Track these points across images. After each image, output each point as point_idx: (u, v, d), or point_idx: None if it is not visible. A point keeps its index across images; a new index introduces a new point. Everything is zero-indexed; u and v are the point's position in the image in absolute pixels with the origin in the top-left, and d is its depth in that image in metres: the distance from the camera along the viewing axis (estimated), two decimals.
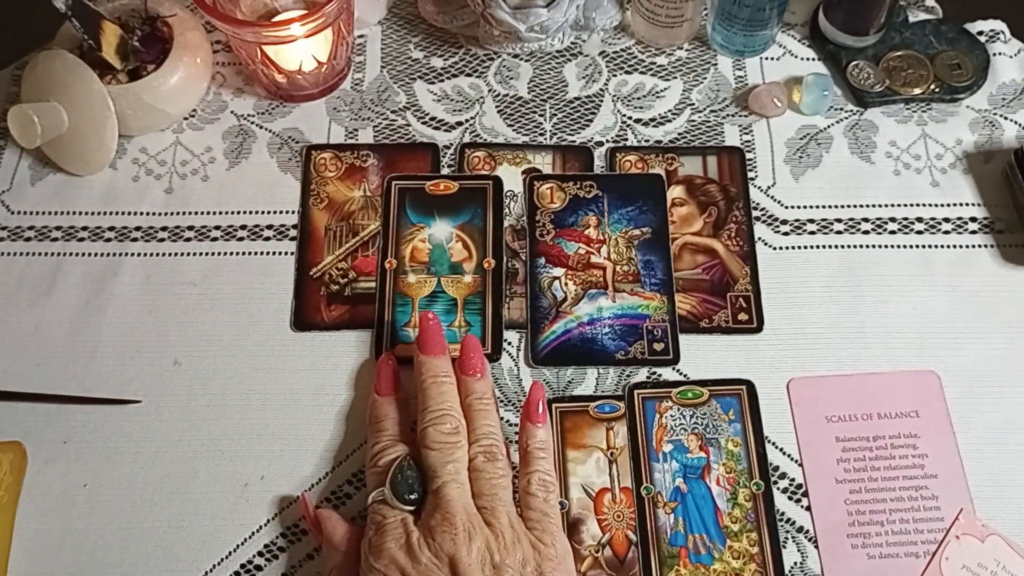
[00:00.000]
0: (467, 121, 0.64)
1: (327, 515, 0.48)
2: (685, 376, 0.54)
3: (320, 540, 0.49)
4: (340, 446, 0.53)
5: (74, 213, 0.60)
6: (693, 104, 0.64)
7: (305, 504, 0.49)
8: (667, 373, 0.55)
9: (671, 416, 0.53)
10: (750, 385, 0.54)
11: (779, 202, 0.60)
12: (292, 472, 0.52)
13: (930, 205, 0.60)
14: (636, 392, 0.54)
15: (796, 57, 0.66)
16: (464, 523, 0.43)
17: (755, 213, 0.60)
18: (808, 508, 0.51)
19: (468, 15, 0.66)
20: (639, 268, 0.57)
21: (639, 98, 0.64)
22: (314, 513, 0.49)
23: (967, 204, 0.60)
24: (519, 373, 0.55)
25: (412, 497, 0.45)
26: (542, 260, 0.58)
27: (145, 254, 0.59)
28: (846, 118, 0.63)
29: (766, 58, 0.66)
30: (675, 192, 0.60)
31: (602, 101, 0.64)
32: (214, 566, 0.50)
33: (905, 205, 0.60)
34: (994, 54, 0.65)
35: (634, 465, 0.52)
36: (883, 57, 0.64)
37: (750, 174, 0.61)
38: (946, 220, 0.59)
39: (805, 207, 0.60)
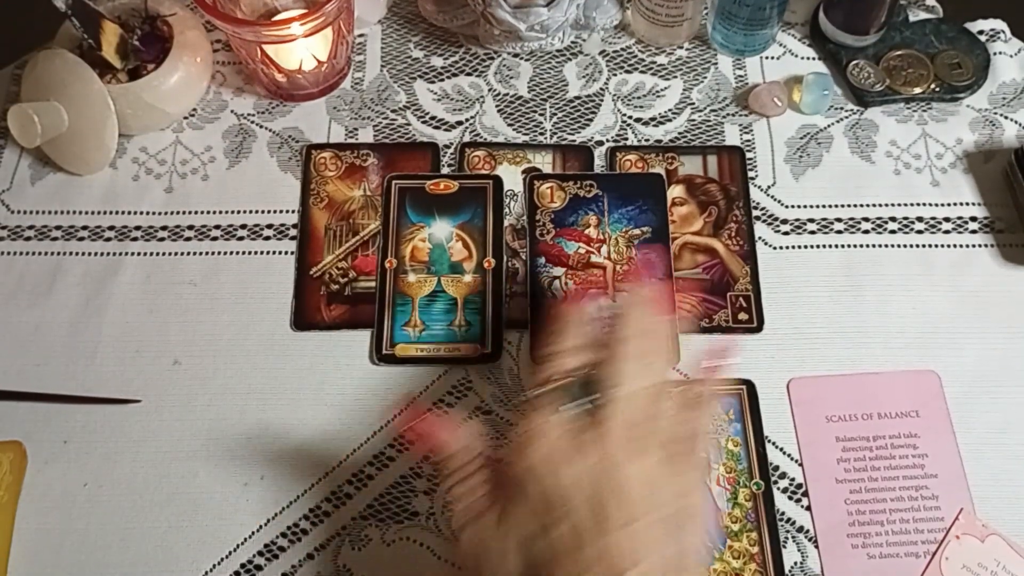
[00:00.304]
0: (467, 120, 0.64)
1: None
2: (685, 376, 0.54)
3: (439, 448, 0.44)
4: (340, 446, 0.53)
5: (74, 213, 0.60)
6: (693, 103, 0.64)
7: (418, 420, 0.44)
8: (667, 373, 0.55)
9: None
10: (750, 385, 0.54)
11: (779, 201, 0.60)
12: (292, 472, 0.52)
13: (930, 205, 0.60)
14: None
15: (796, 56, 0.66)
16: (623, 442, 0.39)
17: (755, 212, 0.60)
18: (808, 508, 0.51)
19: (468, 14, 0.66)
20: (639, 268, 0.57)
21: (639, 97, 0.64)
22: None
23: (967, 204, 0.60)
24: (519, 373, 0.55)
25: (586, 402, 0.40)
26: (542, 259, 0.58)
27: (145, 254, 0.59)
28: (846, 117, 0.63)
29: (766, 57, 0.66)
30: (675, 191, 0.60)
31: (602, 100, 0.64)
32: (214, 566, 0.50)
33: (905, 205, 0.60)
34: (994, 53, 0.65)
35: None
36: (883, 56, 0.64)
37: (750, 173, 0.61)
38: (946, 220, 0.59)
39: (805, 206, 0.60)
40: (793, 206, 0.60)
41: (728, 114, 0.64)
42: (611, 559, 0.37)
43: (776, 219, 0.60)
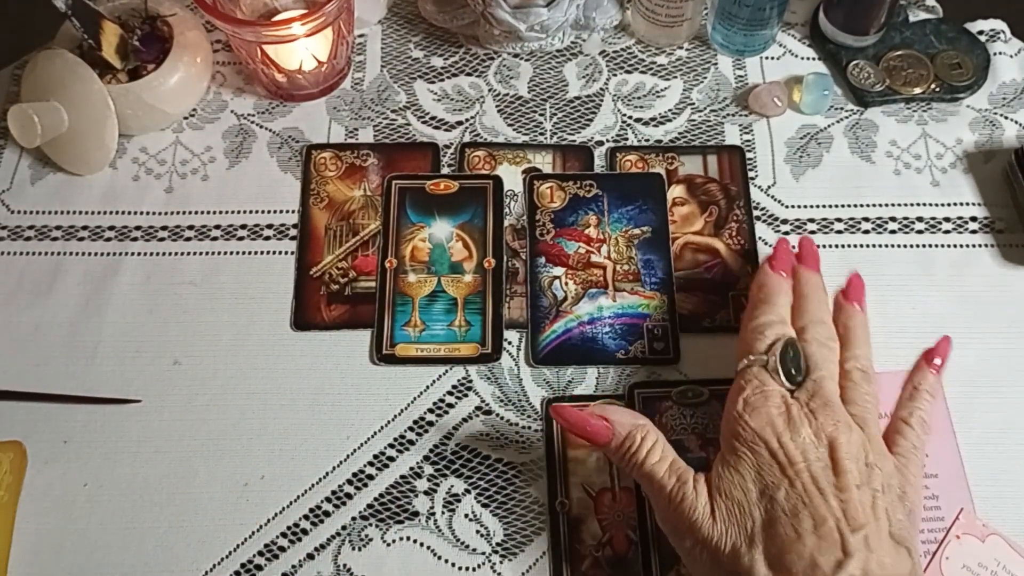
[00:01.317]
0: (467, 120, 0.64)
1: (601, 408, 0.46)
2: (685, 375, 0.54)
3: (601, 441, 0.45)
4: (340, 446, 0.53)
5: (74, 213, 0.60)
6: (693, 103, 0.64)
7: (564, 412, 0.46)
8: (667, 372, 0.55)
9: (671, 415, 0.53)
10: None
11: (779, 201, 0.60)
12: (292, 472, 0.52)
13: (930, 205, 0.60)
14: (636, 391, 0.54)
15: (796, 56, 0.66)
16: (844, 415, 0.44)
17: (756, 212, 0.60)
18: None
19: (468, 14, 0.66)
20: (639, 267, 0.57)
21: (639, 97, 0.64)
22: (587, 415, 0.46)
23: (967, 204, 0.60)
24: (519, 373, 0.55)
25: (797, 377, 0.45)
26: (542, 259, 0.58)
27: (145, 254, 0.59)
28: (846, 117, 0.63)
29: (766, 57, 0.66)
30: (676, 191, 0.60)
31: (602, 100, 0.64)
32: (214, 566, 0.50)
33: (905, 205, 0.60)
34: (994, 53, 0.65)
35: None
36: (883, 56, 0.64)
37: (750, 173, 0.61)
38: (946, 220, 0.59)
39: (805, 206, 0.60)
40: (793, 206, 0.60)
41: (728, 114, 0.64)
42: (854, 511, 0.40)
43: (776, 219, 0.60)
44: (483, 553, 0.50)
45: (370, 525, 0.51)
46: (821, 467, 0.42)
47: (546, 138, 0.63)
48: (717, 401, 0.53)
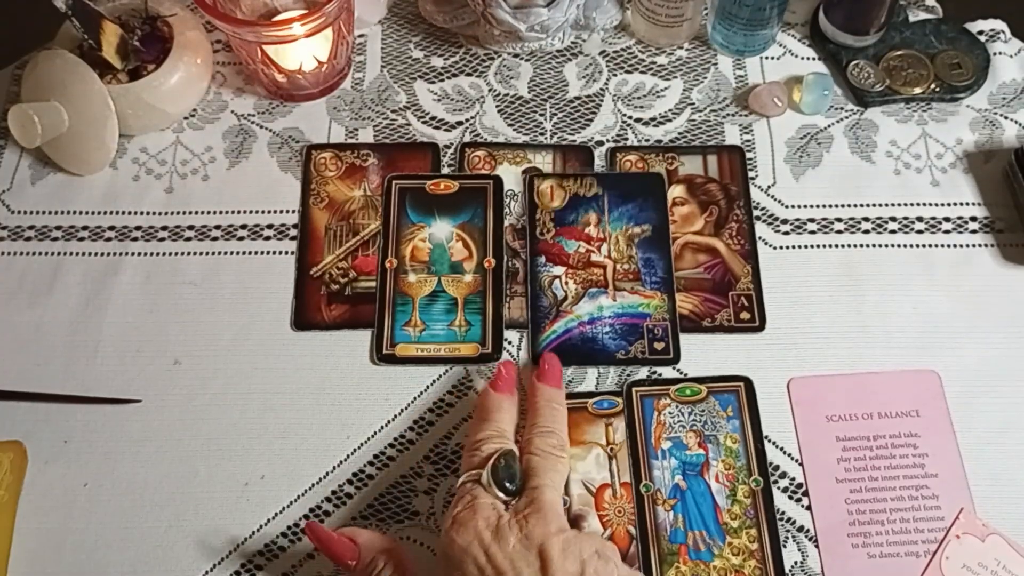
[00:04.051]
0: (467, 120, 0.64)
1: (352, 530, 0.47)
2: (686, 375, 0.54)
3: (344, 560, 0.46)
4: (340, 446, 0.53)
5: (74, 213, 0.60)
6: (693, 103, 0.64)
7: (316, 529, 0.46)
8: (668, 372, 0.55)
9: (669, 413, 0.53)
10: (748, 381, 0.54)
11: (779, 201, 0.60)
12: (292, 472, 0.52)
13: (930, 204, 0.60)
14: (634, 390, 0.54)
15: (796, 56, 0.66)
16: (559, 519, 0.44)
17: (756, 212, 0.60)
18: (808, 507, 0.51)
19: (468, 15, 0.66)
20: (639, 267, 0.57)
21: (639, 97, 0.64)
22: (336, 535, 0.46)
23: (967, 204, 0.60)
24: (519, 372, 0.55)
25: (510, 487, 0.45)
26: (542, 259, 0.58)
27: (145, 254, 0.59)
28: (846, 117, 0.63)
29: (766, 57, 0.66)
30: (676, 191, 0.60)
31: (602, 100, 0.64)
32: (214, 566, 0.50)
33: (905, 204, 0.60)
34: (994, 53, 0.65)
35: (633, 463, 0.52)
36: (883, 56, 0.64)
37: (751, 173, 0.61)
38: (946, 219, 0.59)
39: (805, 206, 0.60)
40: (793, 206, 0.60)
41: (728, 114, 0.64)
42: None
43: (776, 219, 0.60)
44: None
45: (370, 525, 0.51)
46: (531, 573, 0.42)
47: (546, 138, 0.63)
48: (715, 398, 0.53)
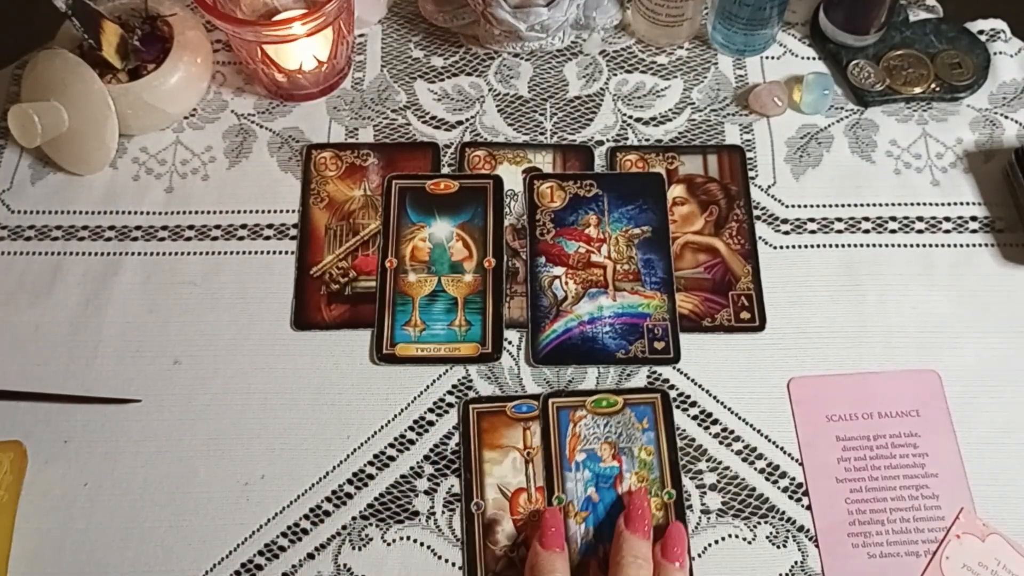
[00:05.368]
0: (467, 120, 0.64)
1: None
2: (686, 375, 0.54)
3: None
4: (340, 446, 0.53)
5: (74, 212, 0.60)
6: (693, 103, 0.64)
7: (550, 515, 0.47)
8: (668, 372, 0.55)
9: (585, 425, 0.52)
10: (664, 394, 0.53)
11: (780, 201, 0.60)
12: (292, 472, 0.52)
13: (930, 204, 0.60)
14: (551, 401, 0.53)
15: (797, 56, 0.66)
16: None
17: (756, 212, 0.60)
18: (808, 507, 0.51)
19: (468, 14, 0.66)
20: (639, 267, 0.57)
21: (639, 97, 0.64)
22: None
23: (967, 203, 0.60)
24: (519, 372, 0.55)
25: None
26: (542, 259, 0.58)
27: (145, 253, 0.59)
28: (846, 117, 0.63)
29: (766, 57, 0.66)
30: (676, 191, 0.60)
31: (602, 100, 0.64)
32: (214, 566, 0.50)
33: (905, 204, 0.60)
34: (995, 53, 0.65)
35: (547, 475, 0.51)
36: (883, 56, 0.64)
37: (751, 173, 0.61)
38: (946, 219, 0.59)
39: (806, 206, 0.60)
40: (793, 206, 0.60)
41: (728, 114, 0.64)
42: None
43: (776, 219, 0.60)
44: None
45: (370, 525, 0.51)
46: None
47: (546, 138, 0.63)
48: (631, 409, 0.53)
